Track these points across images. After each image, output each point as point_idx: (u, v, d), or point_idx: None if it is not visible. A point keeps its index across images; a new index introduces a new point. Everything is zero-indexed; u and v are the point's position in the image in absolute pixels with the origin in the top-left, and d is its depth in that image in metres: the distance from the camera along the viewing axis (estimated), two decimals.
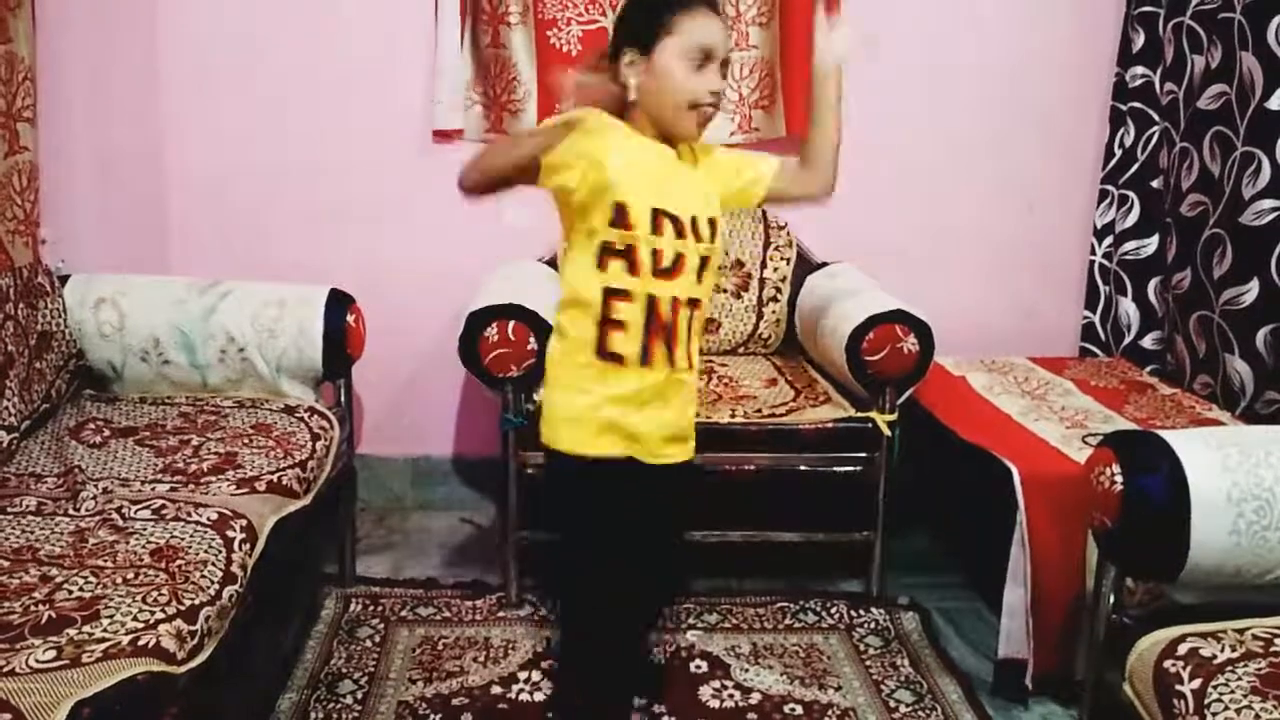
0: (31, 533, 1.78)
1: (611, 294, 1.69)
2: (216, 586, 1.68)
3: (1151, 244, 2.99)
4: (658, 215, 1.68)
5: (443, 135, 2.98)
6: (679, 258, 1.70)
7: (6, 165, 2.32)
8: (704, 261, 1.73)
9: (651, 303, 1.69)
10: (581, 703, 1.92)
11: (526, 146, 1.69)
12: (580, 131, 1.66)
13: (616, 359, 1.71)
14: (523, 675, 2.27)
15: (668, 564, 1.97)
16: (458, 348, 2.38)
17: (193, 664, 1.54)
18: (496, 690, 2.21)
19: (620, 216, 1.67)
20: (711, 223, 1.75)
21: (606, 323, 1.70)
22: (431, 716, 2.13)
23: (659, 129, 1.73)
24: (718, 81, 1.69)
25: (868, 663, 2.36)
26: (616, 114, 1.74)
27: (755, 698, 2.22)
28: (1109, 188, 3.06)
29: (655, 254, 1.68)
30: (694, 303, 1.74)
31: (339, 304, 2.52)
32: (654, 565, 1.91)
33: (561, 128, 1.65)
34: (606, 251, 1.68)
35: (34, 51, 2.38)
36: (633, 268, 1.68)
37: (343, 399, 2.60)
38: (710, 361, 2.85)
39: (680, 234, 1.70)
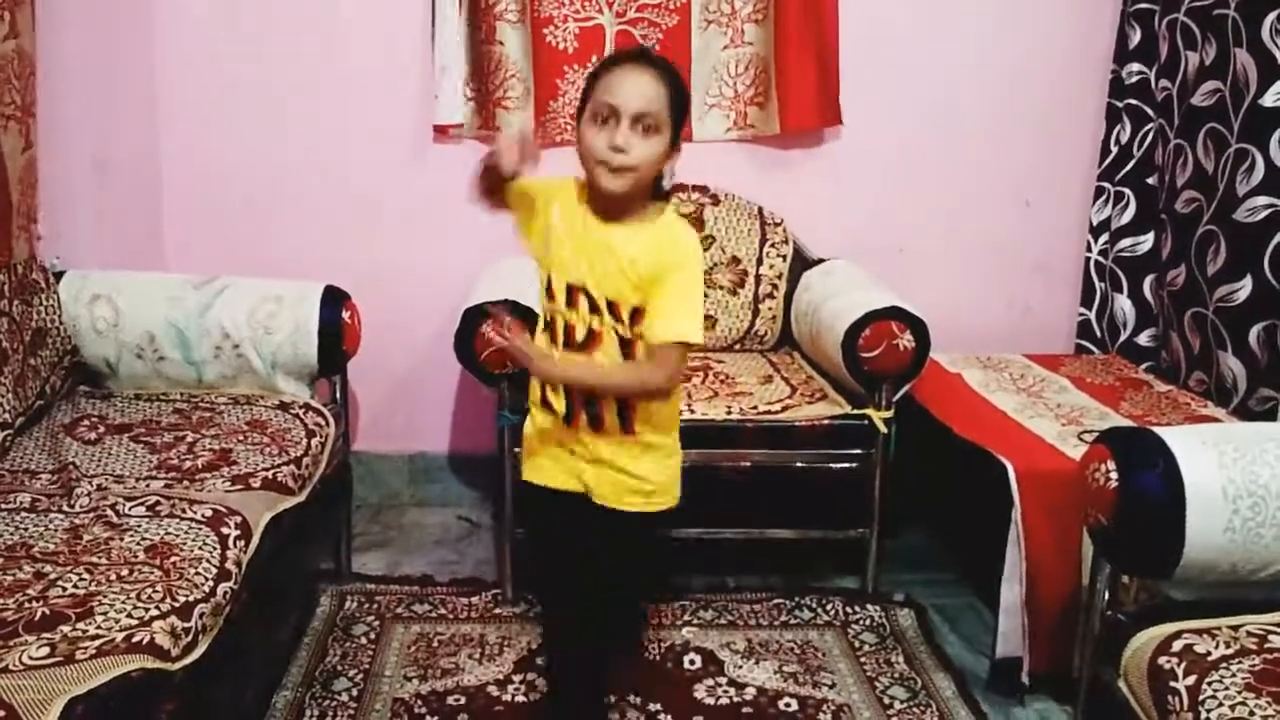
0: (26, 529, 1.78)
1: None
2: (211, 583, 1.67)
3: (1147, 241, 2.99)
4: (573, 291, 1.69)
5: (442, 130, 2.97)
6: (592, 334, 1.69)
7: (24, 160, 2.31)
8: (628, 343, 1.68)
9: None
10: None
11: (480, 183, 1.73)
12: (541, 182, 1.72)
13: (551, 411, 1.77)
14: (518, 673, 2.27)
15: (603, 608, 1.89)
16: (453, 344, 2.38)
17: (187, 661, 1.54)
18: (492, 688, 2.21)
19: (548, 288, 1.72)
20: (632, 310, 1.67)
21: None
22: (427, 714, 2.13)
23: (595, 195, 1.68)
24: (621, 136, 1.59)
25: (862, 659, 2.36)
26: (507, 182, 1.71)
27: (750, 694, 2.22)
28: (1105, 185, 3.06)
29: (569, 328, 1.71)
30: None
31: (335, 300, 2.52)
32: (590, 604, 1.86)
33: (483, 168, 1.69)
34: (544, 319, 1.76)
35: (35, 46, 2.38)
36: (553, 338, 1.73)
37: (338, 395, 2.60)
38: (706, 358, 2.85)
39: (595, 310, 1.68)
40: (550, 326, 1.73)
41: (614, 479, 1.74)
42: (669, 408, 1.76)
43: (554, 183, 1.74)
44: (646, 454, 1.74)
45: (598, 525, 1.77)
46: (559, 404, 1.75)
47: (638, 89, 1.60)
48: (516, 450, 2.41)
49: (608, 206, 1.67)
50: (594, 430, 1.73)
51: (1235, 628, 1.59)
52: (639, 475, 1.74)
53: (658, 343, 1.65)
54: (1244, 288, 2.53)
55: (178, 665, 1.51)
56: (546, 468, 1.81)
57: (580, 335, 1.70)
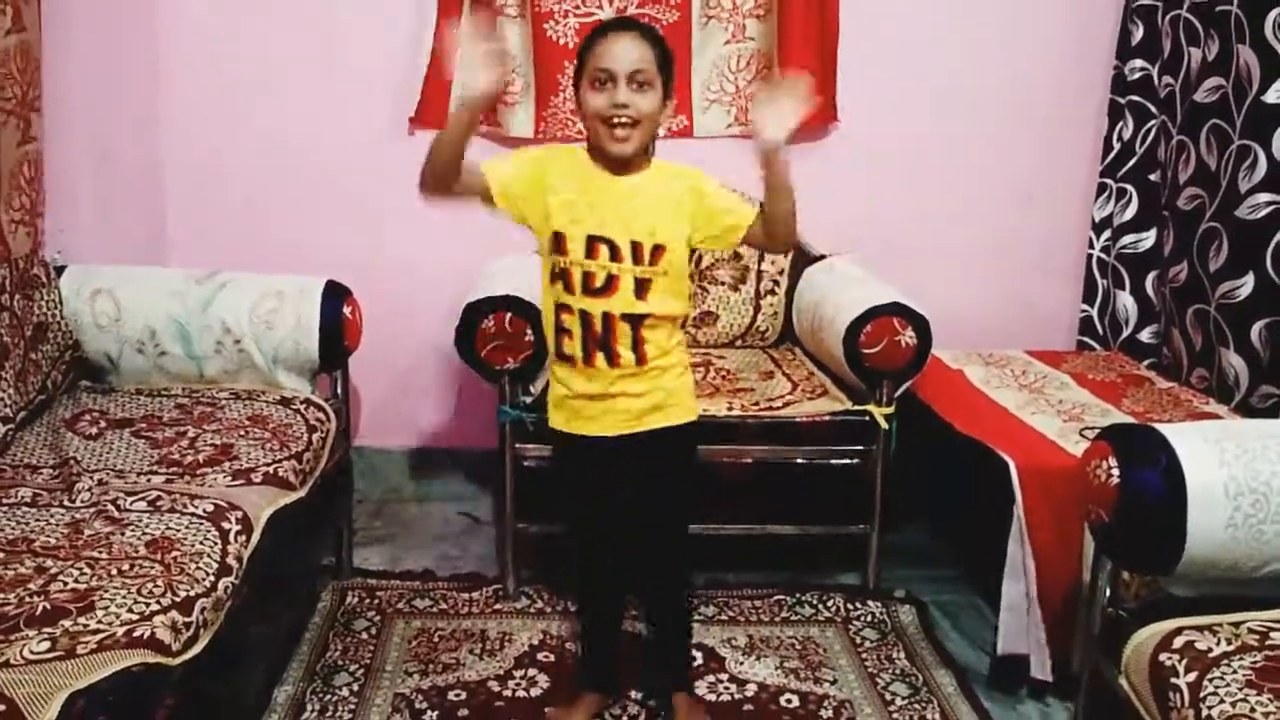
0: (27, 524, 1.78)
1: (560, 307, 1.87)
2: (212, 578, 1.68)
3: (1149, 237, 2.99)
4: (593, 241, 1.82)
5: (422, 122, 2.96)
6: (612, 279, 1.83)
7: (18, 155, 2.31)
8: (643, 283, 1.83)
9: (586, 316, 1.85)
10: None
11: (442, 138, 1.80)
12: (528, 165, 1.86)
13: (569, 360, 1.89)
14: (519, 668, 2.27)
15: (661, 540, 2.03)
16: (455, 339, 2.38)
17: (188, 655, 1.54)
18: (493, 683, 2.22)
19: (558, 244, 1.83)
20: (656, 249, 1.82)
21: (559, 330, 1.89)
22: (428, 709, 2.13)
23: (601, 155, 1.83)
24: (621, 94, 1.75)
25: (864, 655, 2.36)
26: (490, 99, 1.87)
27: (751, 690, 2.22)
28: (1108, 181, 3.05)
29: (587, 275, 1.83)
30: (636, 316, 1.85)
31: (336, 295, 2.52)
32: (645, 538, 2.02)
33: (464, 112, 1.75)
34: (553, 272, 1.86)
35: (41, 41, 2.38)
36: (569, 287, 1.84)
37: (340, 390, 2.60)
38: (707, 354, 2.85)
39: (616, 258, 1.82)
40: (565, 277, 1.83)
41: (631, 405, 1.88)
42: (675, 337, 1.91)
43: (536, 156, 1.90)
44: (662, 376, 1.89)
45: (631, 463, 1.92)
46: (574, 348, 1.86)
47: (627, 51, 1.76)
48: (517, 445, 2.44)
49: (617, 162, 1.82)
50: (611, 365, 1.86)
51: (1236, 624, 1.59)
52: (658, 389, 1.89)
53: (748, 223, 1.87)
54: (1246, 284, 2.52)
55: (178, 660, 1.52)
56: (572, 418, 1.92)
57: (599, 281, 1.83)
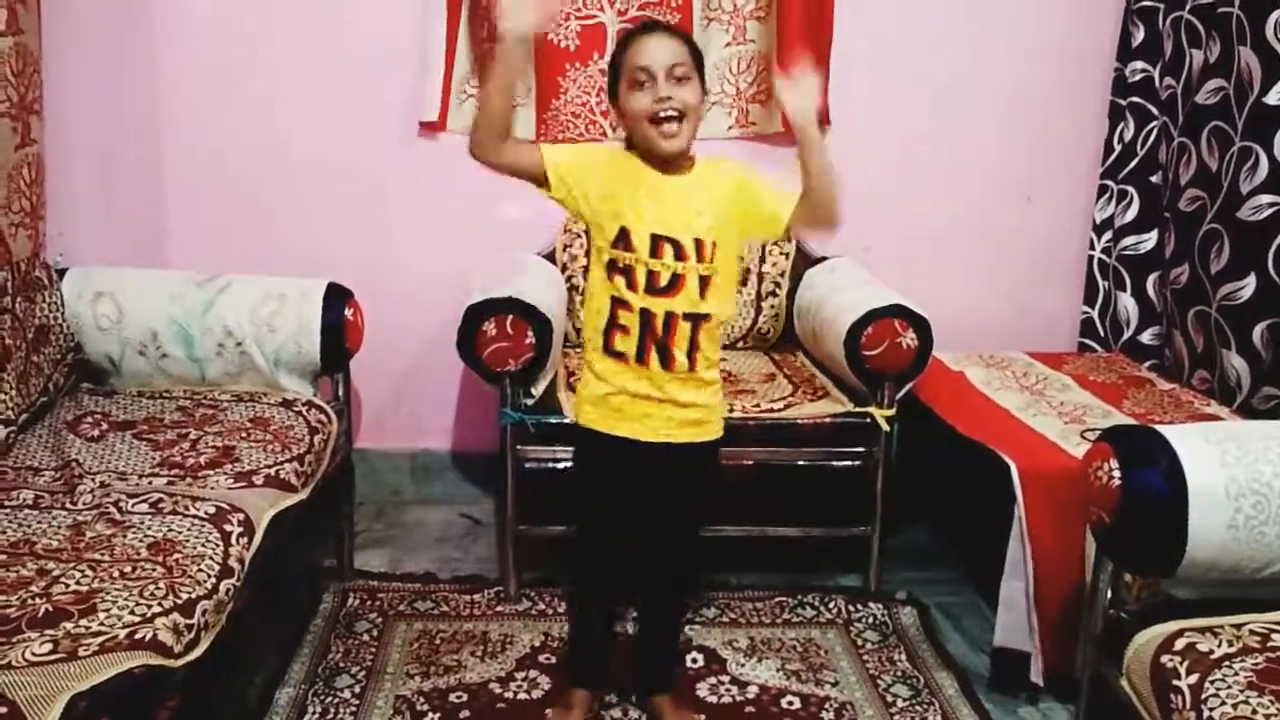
0: (29, 526, 1.78)
1: (617, 302, 1.86)
2: (214, 580, 1.68)
3: (1150, 239, 2.99)
4: (658, 240, 1.82)
5: (429, 127, 2.97)
6: (677, 278, 1.83)
7: (17, 157, 2.31)
8: (706, 280, 1.85)
9: (646, 315, 1.85)
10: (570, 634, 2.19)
11: (489, 86, 1.82)
12: (586, 154, 1.86)
13: (620, 356, 1.87)
14: (520, 670, 2.27)
15: (676, 544, 2.05)
16: (456, 342, 2.38)
17: (189, 657, 1.54)
18: (494, 685, 2.22)
19: (623, 239, 1.83)
20: (714, 245, 1.85)
21: (613, 325, 1.87)
22: (429, 711, 2.13)
23: (650, 156, 1.84)
24: (664, 88, 1.77)
25: (865, 657, 2.36)
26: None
27: (752, 692, 2.22)
28: (1108, 183, 3.05)
29: (652, 275, 1.83)
30: (698, 316, 1.86)
31: (337, 298, 2.52)
32: (660, 543, 2.04)
33: (513, 49, 1.77)
34: (613, 266, 1.85)
35: (40, 44, 2.38)
36: (631, 284, 1.84)
37: (341, 393, 2.60)
38: None
39: (681, 257, 1.83)
40: (628, 274, 1.83)
41: (675, 413, 1.90)
42: (719, 350, 1.94)
43: (593, 149, 1.94)
44: (704, 389, 1.92)
45: (659, 469, 1.93)
46: (628, 346, 1.86)
47: (662, 47, 1.79)
48: (519, 448, 2.44)
49: (668, 161, 1.83)
50: (664, 368, 1.87)
51: (1238, 626, 1.59)
52: (700, 404, 1.91)
53: (788, 210, 1.87)
54: (1248, 286, 2.52)
55: (180, 662, 1.52)
56: (609, 416, 1.91)
57: (664, 280, 1.83)
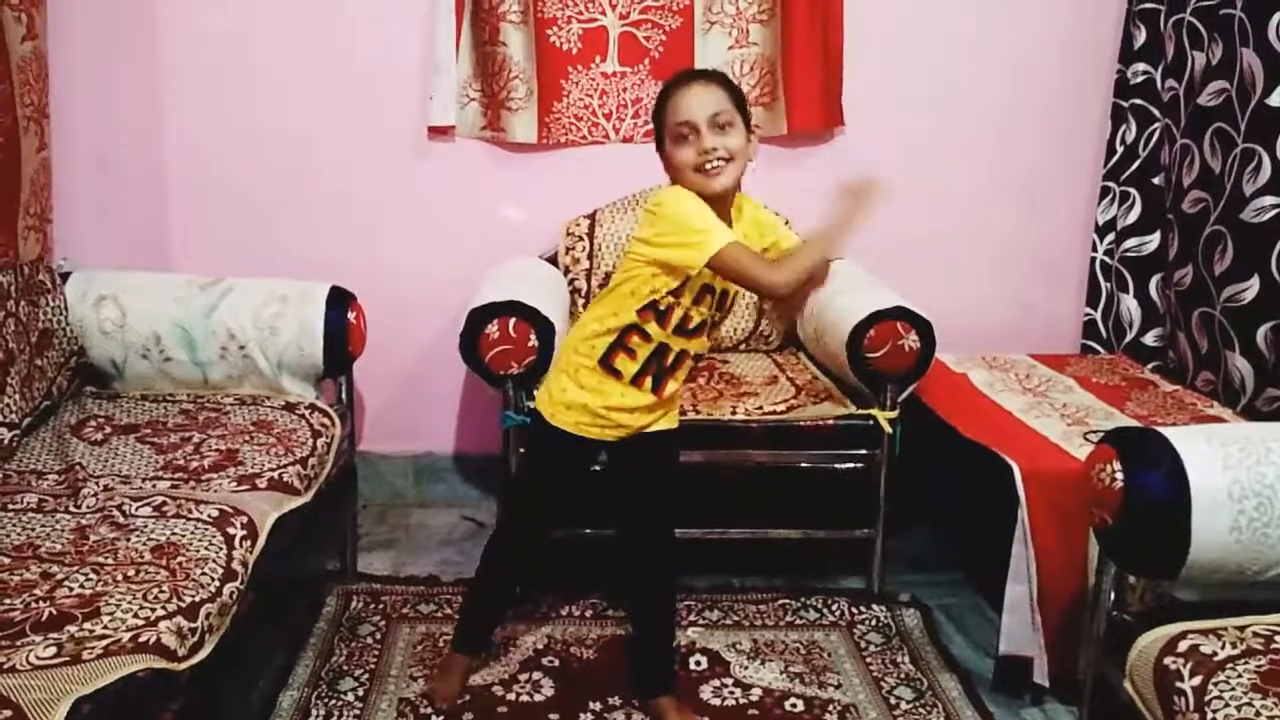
0: (33, 530, 1.78)
1: (636, 330, 1.90)
2: (217, 583, 1.68)
3: (1153, 241, 2.99)
4: (707, 290, 1.88)
5: (437, 131, 2.97)
6: (704, 324, 1.92)
7: (37, 161, 2.31)
8: (714, 326, 1.97)
9: (663, 349, 1.92)
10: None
11: (830, 249, 1.87)
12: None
13: (615, 374, 1.94)
14: (523, 673, 2.27)
15: (649, 537, 2.09)
16: (459, 345, 2.39)
17: (193, 661, 1.55)
18: (497, 688, 2.22)
19: (680, 288, 1.87)
20: (734, 295, 1.95)
21: (620, 346, 1.92)
22: (432, 714, 2.13)
23: (709, 202, 1.85)
24: (707, 140, 1.80)
25: (868, 660, 2.36)
26: None
27: (756, 694, 2.22)
28: (1110, 184, 3.05)
29: (685, 318, 1.89)
30: (697, 355, 1.99)
31: (340, 301, 2.52)
32: (645, 527, 2.10)
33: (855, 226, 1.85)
34: (652, 305, 1.88)
35: (47, 49, 2.39)
36: (662, 322, 1.89)
37: (344, 396, 2.61)
38: (711, 359, 2.85)
39: (718, 306, 1.93)
40: (664, 314, 1.88)
41: (644, 419, 1.99)
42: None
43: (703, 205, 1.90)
44: (674, 401, 2.05)
45: (623, 455, 2.02)
46: (629, 368, 1.92)
47: (701, 98, 1.82)
48: (521, 450, 2.44)
49: (722, 205, 1.86)
50: (654, 392, 1.95)
51: (1241, 628, 1.58)
52: (667, 410, 2.04)
53: (793, 242, 1.99)
54: (1251, 287, 2.52)
55: (184, 665, 1.52)
56: (592, 424, 1.97)
57: (694, 323, 1.91)
